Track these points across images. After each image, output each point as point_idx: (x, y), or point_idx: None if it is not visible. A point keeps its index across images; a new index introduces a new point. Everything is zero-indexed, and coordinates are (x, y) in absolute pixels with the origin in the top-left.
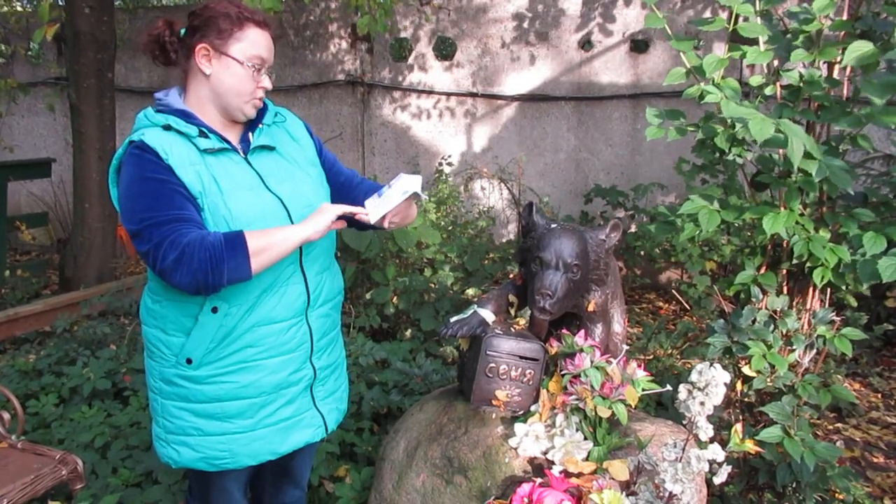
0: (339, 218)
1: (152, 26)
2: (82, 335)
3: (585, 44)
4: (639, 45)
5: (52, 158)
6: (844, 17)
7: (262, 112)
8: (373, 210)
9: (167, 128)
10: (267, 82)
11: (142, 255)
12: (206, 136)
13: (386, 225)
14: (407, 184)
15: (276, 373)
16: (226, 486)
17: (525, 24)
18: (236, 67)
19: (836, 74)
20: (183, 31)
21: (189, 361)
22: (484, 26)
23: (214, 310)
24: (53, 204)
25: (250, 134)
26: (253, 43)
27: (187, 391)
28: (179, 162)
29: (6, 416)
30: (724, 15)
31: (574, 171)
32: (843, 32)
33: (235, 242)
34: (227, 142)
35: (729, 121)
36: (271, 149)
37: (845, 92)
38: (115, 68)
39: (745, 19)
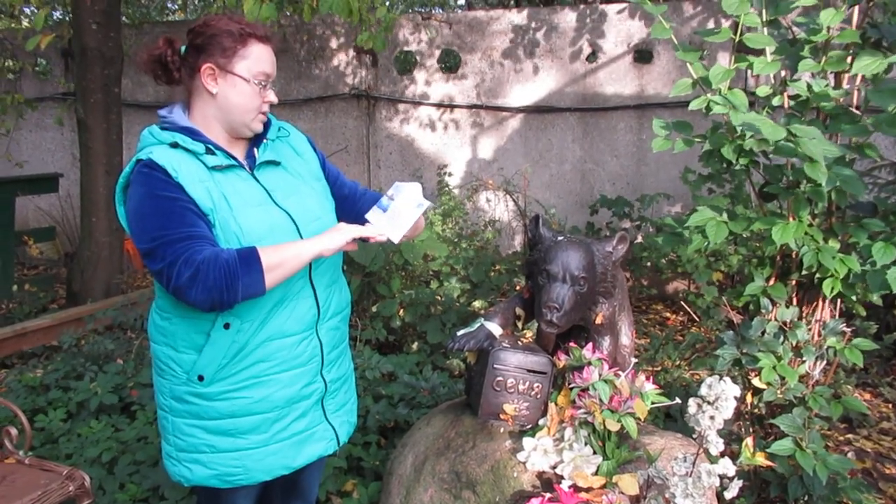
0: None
1: (153, 46)
2: (89, 350)
3: (590, 55)
4: (643, 55)
5: (60, 173)
6: (853, 27)
7: (265, 127)
8: (389, 230)
9: (174, 145)
10: (272, 96)
11: (155, 274)
12: (213, 154)
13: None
14: (412, 194)
15: (288, 387)
16: (235, 503)
17: (529, 36)
18: (242, 85)
19: (845, 84)
20: (184, 48)
21: (201, 378)
22: (488, 38)
23: (226, 326)
24: (61, 218)
25: (255, 150)
26: (257, 59)
27: (199, 408)
28: (189, 179)
29: (14, 431)
30: (727, 25)
31: (580, 182)
32: (850, 43)
33: (249, 259)
34: (234, 158)
35: (739, 130)
36: (277, 164)
37: (855, 102)
38: (121, 83)
39: (749, 29)
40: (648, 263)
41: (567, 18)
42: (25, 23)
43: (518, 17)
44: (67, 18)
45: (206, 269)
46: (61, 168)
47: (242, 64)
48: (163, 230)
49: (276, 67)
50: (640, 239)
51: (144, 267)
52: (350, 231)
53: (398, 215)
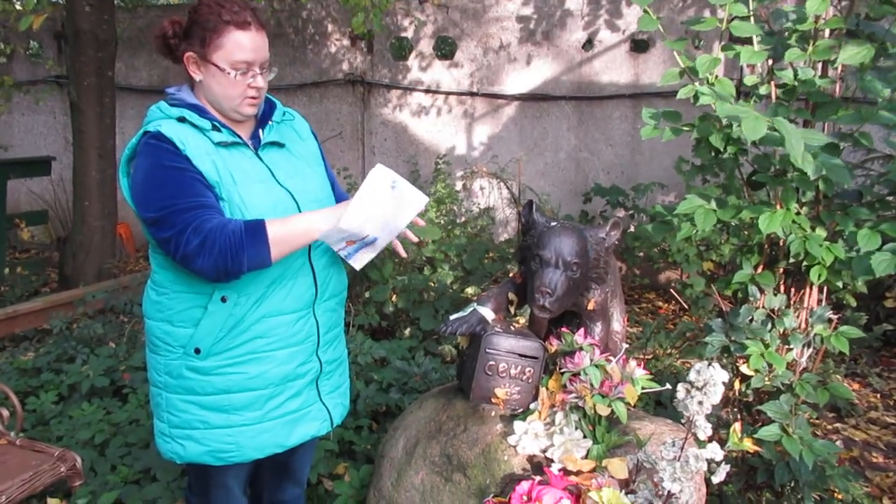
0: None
1: (158, 26)
2: (80, 333)
3: (586, 43)
4: (639, 44)
5: (52, 157)
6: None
7: (271, 109)
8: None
9: (181, 120)
10: (259, 81)
11: (162, 242)
12: (219, 131)
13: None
14: (377, 180)
15: (283, 364)
16: (226, 483)
17: (526, 24)
18: (219, 75)
19: (829, 73)
20: None
21: (197, 351)
22: (484, 25)
23: (223, 299)
24: (53, 202)
25: (260, 131)
26: (235, 47)
27: (194, 383)
28: (196, 152)
29: (5, 413)
30: (720, 14)
31: (574, 170)
32: (835, 31)
33: (256, 230)
34: (239, 137)
35: (724, 120)
36: (281, 145)
37: (838, 91)
38: (115, 67)
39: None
40: (641, 253)
41: (566, 5)
42: (18, 5)
43: (514, 4)
44: (61, 1)
45: (214, 237)
46: (54, 152)
47: (218, 54)
48: (172, 199)
49: (263, 51)
50: (632, 228)
51: (138, 252)
52: None
53: (361, 205)
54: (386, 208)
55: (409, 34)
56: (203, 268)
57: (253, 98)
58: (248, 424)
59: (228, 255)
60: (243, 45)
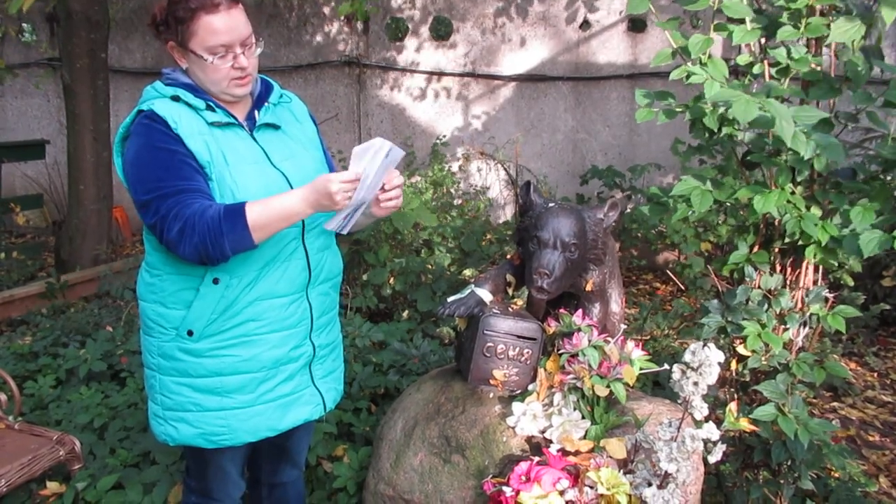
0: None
1: (151, 13)
2: (77, 318)
3: (583, 23)
4: (637, 24)
5: (47, 140)
6: None
7: (268, 91)
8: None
9: (176, 99)
10: (242, 61)
11: (149, 227)
12: (214, 111)
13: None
14: (374, 154)
15: (276, 347)
16: (223, 465)
17: (522, 4)
18: (200, 62)
19: (824, 51)
20: None
21: (190, 333)
22: (481, 6)
23: (216, 281)
24: (48, 186)
25: (256, 112)
26: (207, 33)
27: (187, 365)
28: (188, 131)
29: (3, 397)
30: None
31: (571, 151)
32: (829, 8)
33: (234, 216)
34: (234, 118)
35: (712, 102)
36: (276, 127)
37: (832, 70)
38: (108, 48)
39: None
40: (639, 234)
41: None
42: None
43: None
44: None
45: (193, 224)
46: (48, 135)
47: (193, 41)
48: (158, 182)
49: (240, 30)
50: (630, 209)
51: (133, 236)
52: (335, 179)
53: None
54: (381, 174)
55: (405, 15)
56: (185, 254)
57: (239, 78)
58: (240, 407)
59: (208, 240)
60: (215, 28)
